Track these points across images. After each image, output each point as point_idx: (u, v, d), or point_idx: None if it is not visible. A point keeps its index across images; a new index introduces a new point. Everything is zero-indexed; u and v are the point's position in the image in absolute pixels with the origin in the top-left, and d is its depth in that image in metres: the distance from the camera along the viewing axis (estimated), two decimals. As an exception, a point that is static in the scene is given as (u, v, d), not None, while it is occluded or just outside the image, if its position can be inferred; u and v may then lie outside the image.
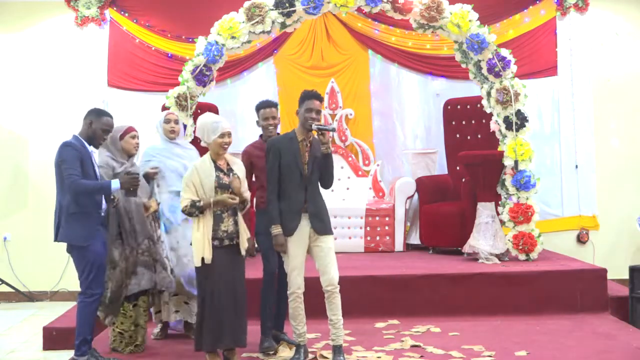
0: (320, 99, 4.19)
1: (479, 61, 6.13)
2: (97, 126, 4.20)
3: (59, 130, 6.50)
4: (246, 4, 6.02)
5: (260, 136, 4.67)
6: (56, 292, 7.08)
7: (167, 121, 4.87)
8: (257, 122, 4.63)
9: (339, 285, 4.12)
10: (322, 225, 4.17)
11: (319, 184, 4.24)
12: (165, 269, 4.57)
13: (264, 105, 4.58)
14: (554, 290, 5.38)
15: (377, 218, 6.79)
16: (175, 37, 7.31)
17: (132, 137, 4.54)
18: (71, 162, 4.05)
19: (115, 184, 4.11)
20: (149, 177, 4.73)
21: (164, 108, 6.07)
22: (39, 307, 6.74)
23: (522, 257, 6.00)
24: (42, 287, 7.10)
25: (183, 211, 4.04)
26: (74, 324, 4.24)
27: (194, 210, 3.99)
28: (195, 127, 4.24)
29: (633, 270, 5.43)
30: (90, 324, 4.21)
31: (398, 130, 7.71)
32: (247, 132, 7.02)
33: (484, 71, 6.11)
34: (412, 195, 6.92)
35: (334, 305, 4.10)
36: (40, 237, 6.82)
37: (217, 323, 4.02)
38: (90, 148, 4.24)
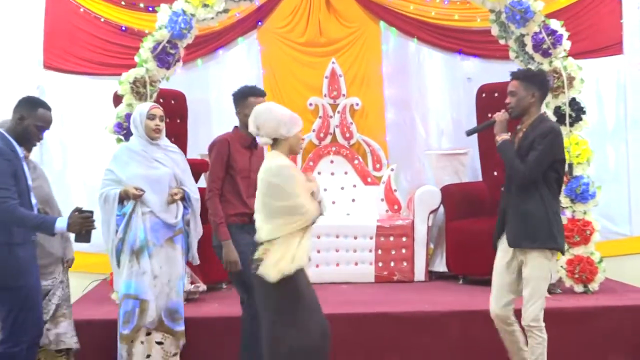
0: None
1: (522, 36, 6.16)
2: (31, 122, 4.18)
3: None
4: (222, -37, 6.06)
5: (236, 127, 4.75)
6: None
7: (151, 117, 4.82)
8: (237, 113, 4.72)
9: (533, 324, 4.30)
10: (511, 236, 4.39)
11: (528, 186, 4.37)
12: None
13: (256, 93, 4.68)
14: (619, 330, 5.39)
15: (392, 238, 6.80)
16: (131, 5, 7.33)
17: None
18: (2, 178, 3.97)
19: (62, 223, 4.02)
20: (129, 197, 4.70)
21: (116, 96, 6.08)
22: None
23: (579, 288, 6.02)
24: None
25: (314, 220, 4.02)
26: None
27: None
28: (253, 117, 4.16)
29: None
30: None
31: (418, 125, 7.74)
32: (223, 127, 6.97)
33: (529, 49, 6.14)
34: (437, 209, 6.94)
35: (529, 347, 4.35)
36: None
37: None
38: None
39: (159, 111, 4.88)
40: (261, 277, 3.92)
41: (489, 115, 7.02)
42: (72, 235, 4.21)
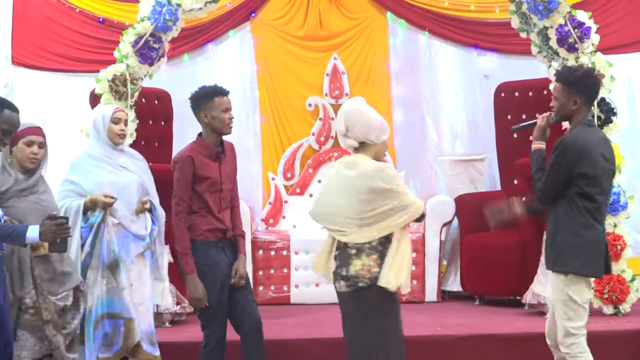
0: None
1: (546, 29, 6.18)
2: None
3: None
4: (211, -53, 6.10)
5: (200, 134, 4.70)
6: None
7: (115, 120, 4.83)
8: (205, 116, 4.61)
9: (563, 350, 4.28)
10: (547, 257, 4.39)
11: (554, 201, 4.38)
12: (55, 335, 4.35)
13: (223, 92, 4.66)
14: (654, 357, 5.41)
15: (400, 254, 6.81)
16: (110, -7, 7.39)
17: (27, 143, 4.46)
18: None
19: (33, 232, 4.00)
20: (97, 207, 4.68)
21: (93, 96, 6.10)
22: None
23: (609, 309, 6.03)
24: None
25: (420, 219, 4.26)
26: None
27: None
28: (340, 120, 4.23)
29: None
30: None
31: (429, 127, 7.74)
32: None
33: (553, 43, 6.16)
34: (450, 221, 6.96)
35: None
36: None
37: None
38: None
39: (124, 115, 4.91)
40: (360, 293, 4.12)
41: (508, 117, 7.11)
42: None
